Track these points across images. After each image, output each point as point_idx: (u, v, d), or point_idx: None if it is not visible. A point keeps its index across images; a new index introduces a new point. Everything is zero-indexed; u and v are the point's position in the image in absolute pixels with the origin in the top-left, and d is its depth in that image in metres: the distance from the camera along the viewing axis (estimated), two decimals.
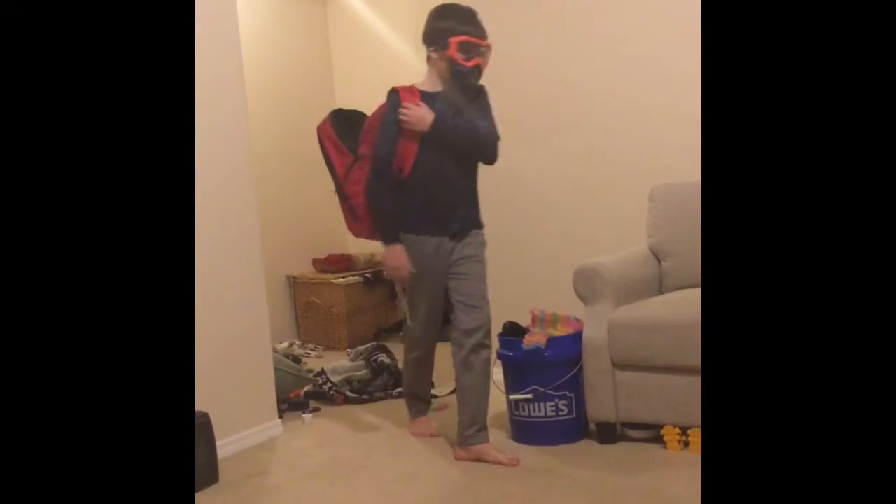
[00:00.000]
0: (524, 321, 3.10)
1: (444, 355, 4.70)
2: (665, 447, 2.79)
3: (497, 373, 3.07)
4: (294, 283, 5.37)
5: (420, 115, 2.78)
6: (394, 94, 2.86)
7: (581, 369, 2.93)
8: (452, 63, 2.76)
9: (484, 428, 2.85)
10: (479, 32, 2.79)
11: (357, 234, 3.14)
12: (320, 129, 3.10)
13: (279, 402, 3.44)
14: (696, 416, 2.68)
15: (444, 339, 5.00)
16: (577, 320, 3.03)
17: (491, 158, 2.91)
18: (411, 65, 5.28)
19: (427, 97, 2.82)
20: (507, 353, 3.00)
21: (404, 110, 2.79)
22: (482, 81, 2.88)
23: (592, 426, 2.97)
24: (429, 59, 2.85)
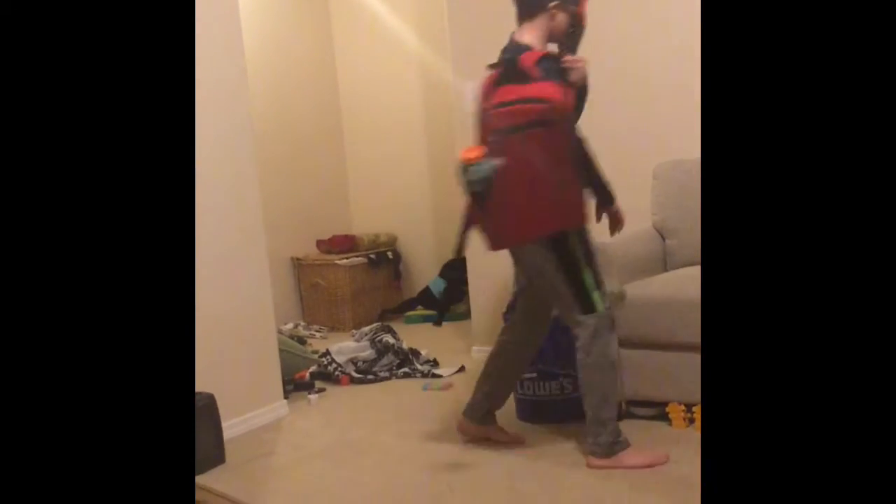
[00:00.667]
0: None
1: (442, 332, 4.73)
2: (670, 424, 2.79)
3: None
4: (298, 264, 5.37)
5: (585, 68, 2.48)
6: (552, 55, 2.47)
7: None
8: (579, 19, 2.51)
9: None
10: None
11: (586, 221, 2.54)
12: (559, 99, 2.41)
13: (285, 383, 3.45)
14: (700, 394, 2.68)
15: (458, 316, 5.05)
16: None
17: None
18: (414, 50, 5.27)
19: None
20: None
21: (578, 64, 2.45)
22: None
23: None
24: (540, 13, 2.52)
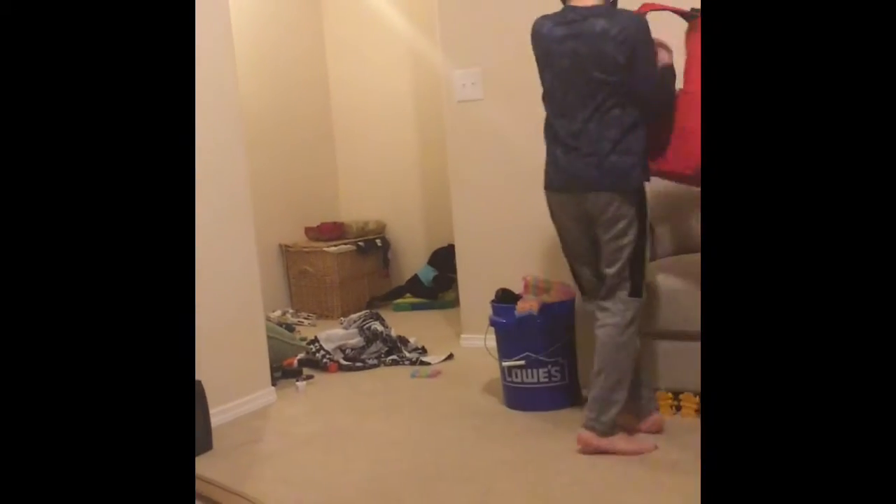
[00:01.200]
0: (517, 288, 3.09)
1: (430, 320, 4.73)
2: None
3: (490, 339, 3.08)
4: (286, 251, 5.35)
5: None
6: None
7: (574, 336, 2.93)
8: None
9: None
10: None
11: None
12: None
13: (273, 370, 3.45)
14: (687, 381, 2.69)
15: (447, 304, 5.05)
16: (570, 287, 3.03)
17: None
18: (404, 38, 5.24)
19: None
20: (500, 320, 3.00)
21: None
22: None
23: (585, 392, 2.98)
24: None
